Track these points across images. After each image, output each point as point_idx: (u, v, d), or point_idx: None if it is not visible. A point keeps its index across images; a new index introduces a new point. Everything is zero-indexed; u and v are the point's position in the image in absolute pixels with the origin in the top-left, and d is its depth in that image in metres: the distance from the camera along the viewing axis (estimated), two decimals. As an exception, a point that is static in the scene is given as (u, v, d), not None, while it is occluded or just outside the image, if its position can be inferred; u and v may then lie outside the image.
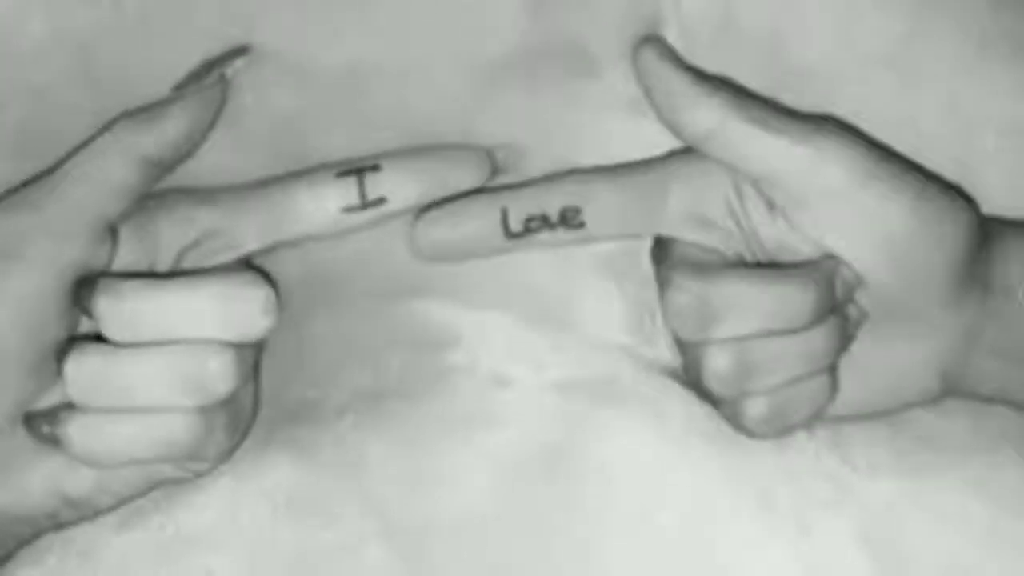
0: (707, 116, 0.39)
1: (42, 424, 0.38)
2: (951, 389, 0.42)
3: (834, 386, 0.41)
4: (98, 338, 0.38)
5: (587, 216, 0.40)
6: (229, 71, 0.40)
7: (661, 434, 0.42)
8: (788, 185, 0.39)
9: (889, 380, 0.41)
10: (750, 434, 0.41)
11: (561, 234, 0.40)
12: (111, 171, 0.38)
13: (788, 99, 0.41)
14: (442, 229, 0.41)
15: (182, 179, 0.40)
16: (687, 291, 0.39)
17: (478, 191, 0.41)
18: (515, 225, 0.40)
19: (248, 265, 0.41)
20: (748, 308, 0.39)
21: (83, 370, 0.37)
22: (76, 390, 0.38)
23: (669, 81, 0.39)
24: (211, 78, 0.39)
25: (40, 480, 0.39)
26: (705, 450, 0.42)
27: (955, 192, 0.41)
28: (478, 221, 0.40)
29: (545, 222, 0.40)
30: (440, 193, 0.40)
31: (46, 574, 0.40)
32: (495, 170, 0.41)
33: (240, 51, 0.40)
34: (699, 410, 0.42)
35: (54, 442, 0.38)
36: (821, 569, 0.40)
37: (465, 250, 0.41)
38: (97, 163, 0.38)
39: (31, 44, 0.40)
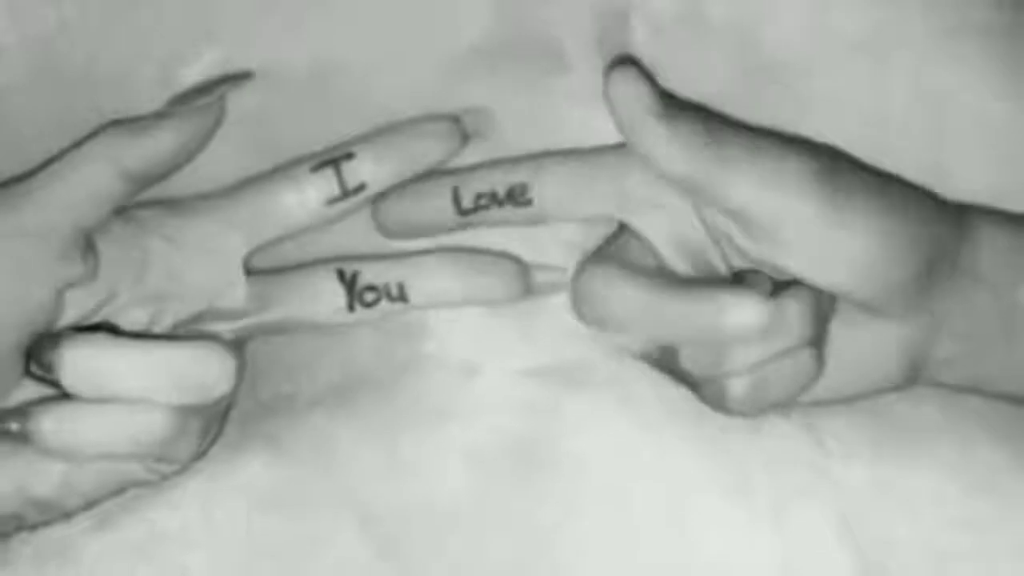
0: (676, 160, 0.39)
1: (10, 421, 0.38)
2: (918, 375, 0.42)
3: (820, 364, 0.41)
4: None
5: (535, 193, 0.41)
6: (227, 94, 0.40)
7: (634, 420, 0.42)
8: (753, 219, 0.39)
9: (855, 364, 0.42)
10: (730, 412, 0.41)
11: (509, 211, 0.41)
12: (93, 180, 0.38)
13: (757, 89, 0.41)
14: (399, 207, 0.41)
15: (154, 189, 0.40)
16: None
17: (433, 172, 0.41)
18: (466, 202, 0.41)
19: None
20: (755, 343, 0.40)
21: (80, 358, 0.38)
22: (70, 378, 0.38)
23: (638, 119, 0.39)
24: (209, 98, 0.39)
25: (5, 481, 0.39)
26: (679, 435, 0.42)
27: (922, 197, 0.41)
28: (432, 199, 0.41)
29: (494, 199, 0.41)
30: (416, 169, 0.41)
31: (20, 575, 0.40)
32: (465, 137, 0.41)
33: (243, 77, 0.40)
34: (672, 395, 0.42)
35: (23, 438, 0.38)
36: (798, 553, 0.41)
37: (421, 226, 0.42)
38: (80, 170, 0.38)
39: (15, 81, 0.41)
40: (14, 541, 0.41)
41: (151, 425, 0.38)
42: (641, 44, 0.42)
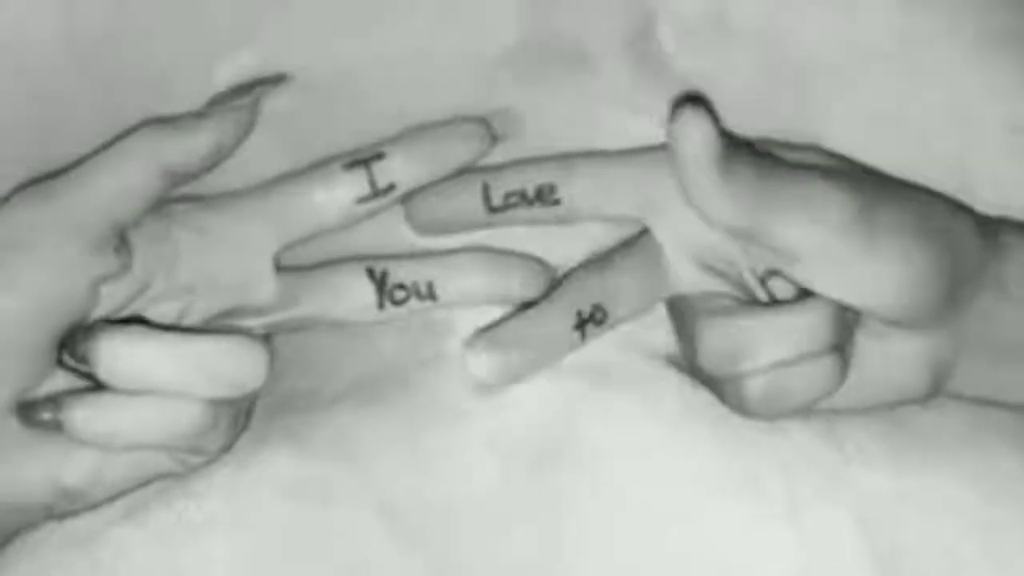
0: (727, 213, 0.39)
1: (43, 410, 0.39)
2: (942, 387, 0.42)
3: (842, 371, 0.41)
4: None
5: (562, 193, 0.41)
6: (264, 97, 0.40)
7: (654, 420, 0.42)
8: (790, 253, 0.40)
9: (878, 374, 0.42)
10: (747, 414, 0.41)
11: (537, 210, 0.42)
12: (130, 176, 0.39)
13: (781, 92, 0.42)
14: (430, 203, 0.42)
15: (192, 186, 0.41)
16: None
17: (465, 169, 0.42)
18: (496, 200, 0.41)
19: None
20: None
21: (115, 350, 0.38)
22: (106, 369, 0.38)
23: (698, 168, 0.38)
24: (247, 99, 0.40)
25: (36, 470, 0.39)
26: (698, 435, 0.42)
27: (954, 213, 0.41)
28: (462, 196, 0.42)
29: (523, 198, 0.41)
30: (445, 169, 0.42)
31: (46, 564, 0.41)
32: (494, 139, 0.42)
33: (278, 79, 0.41)
34: (694, 395, 0.43)
35: (56, 427, 0.38)
36: (816, 554, 0.41)
37: (452, 223, 0.42)
38: (118, 166, 0.39)
39: (38, 38, 0.41)
40: (41, 530, 0.41)
41: (184, 417, 0.39)
42: (667, 46, 0.42)
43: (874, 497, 0.41)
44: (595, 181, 0.41)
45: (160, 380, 0.38)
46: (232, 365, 0.39)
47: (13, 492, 0.39)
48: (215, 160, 0.40)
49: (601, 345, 0.42)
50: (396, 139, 0.42)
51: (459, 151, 0.42)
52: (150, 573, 0.41)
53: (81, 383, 0.40)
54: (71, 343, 0.39)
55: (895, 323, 0.40)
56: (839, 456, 0.42)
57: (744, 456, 0.42)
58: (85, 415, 0.38)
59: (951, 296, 0.40)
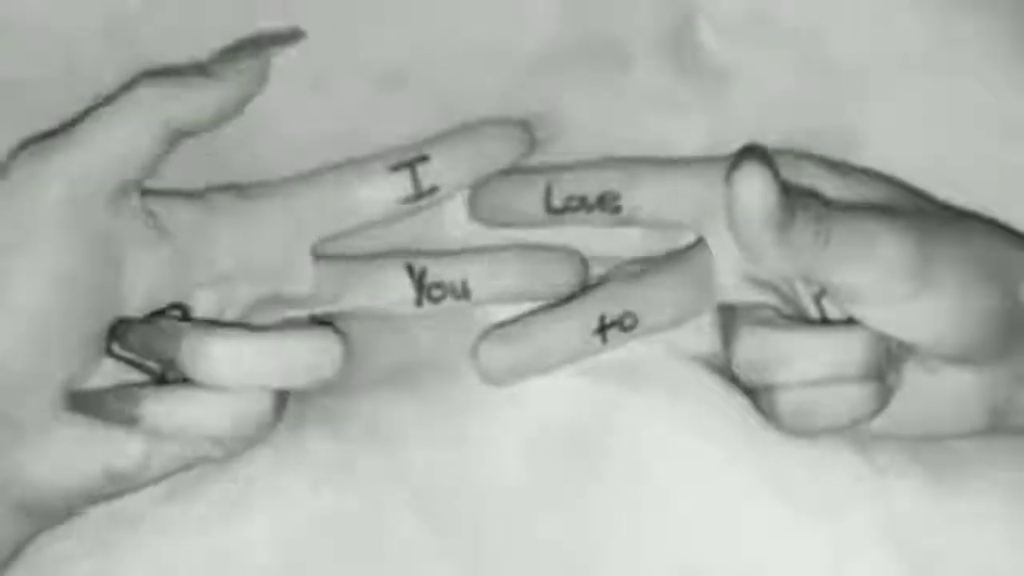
0: (782, 263, 0.39)
1: (115, 403, 0.39)
2: (1001, 422, 0.42)
3: (880, 400, 0.41)
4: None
5: (624, 202, 0.42)
6: (276, 56, 0.40)
7: (685, 420, 0.43)
8: (845, 292, 0.40)
9: (934, 409, 0.42)
10: (778, 427, 0.41)
11: (597, 216, 0.42)
12: (133, 133, 0.38)
13: (821, 93, 0.42)
14: (494, 196, 0.42)
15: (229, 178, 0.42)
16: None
17: (531, 167, 0.42)
18: (557, 202, 0.42)
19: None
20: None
21: (199, 348, 0.38)
22: (194, 367, 0.39)
23: (756, 226, 0.38)
24: (256, 58, 0.40)
25: (88, 457, 0.39)
26: (731, 436, 0.42)
27: (1003, 240, 0.41)
28: (525, 194, 0.42)
29: (583, 203, 0.42)
30: (487, 171, 0.42)
31: (87, 544, 0.41)
32: (534, 142, 0.42)
33: (294, 36, 0.41)
34: (728, 399, 0.43)
35: (129, 421, 0.39)
36: (845, 557, 0.41)
37: (510, 218, 0.42)
38: (120, 123, 0.38)
39: (79, 25, 0.41)
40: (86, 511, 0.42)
41: (255, 408, 0.39)
42: (707, 44, 0.43)
43: (905, 507, 0.41)
44: (656, 191, 0.42)
45: (245, 376, 0.39)
46: (312, 359, 0.39)
47: (64, 478, 0.39)
48: (222, 118, 0.39)
49: (637, 345, 0.43)
50: (439, 141, 0.42)
51: (501, 154, 0.42)
52: (192, 554, 0.41)
53: (126, 371, 0.40)
54: (153, 342, 0.39)
55: (951, 360, 0.40)
56: (870, 466, 0.42)
57: (774, 461, 0.42)
58: (167, 410, 0.39)
59: (1010, 333, 0.40)
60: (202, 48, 0.41)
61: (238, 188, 0.42)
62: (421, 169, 0.42)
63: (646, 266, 0.43)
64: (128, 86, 0.39)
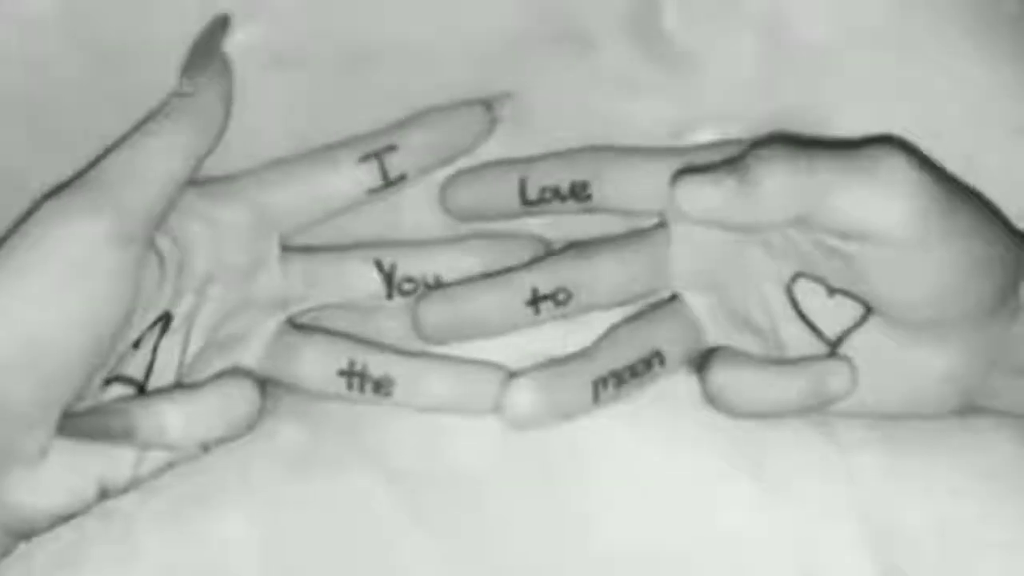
0: (777, 210, 0.39)
1: (112, 421, 0.39)
2: (969, 403, 0.42)
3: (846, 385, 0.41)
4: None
5: (595, 190, 0.42)
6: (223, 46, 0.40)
7: (654, 402, 0.43)
8: (859, 231, 0.39)
9: (906, 388, 0.42)
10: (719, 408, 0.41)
11: (571, 205, 0.42)
12: (164, 167, 0.39)
13: (787, 74, 0.42)
14: (467, 191, 0.42)
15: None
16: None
17: (501, 161, 0.42)
18: (531, 194, 0.42)
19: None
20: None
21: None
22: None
23: (724, 204, 0.39)
24: (218, 62, 0.40)
25: (83, 478, 0.39)
26: (697, 418, 0.42)
27: (1002, 220, 0.41)
28: (499, 187, 0.42)
29: (557, 194, 0.42)
30: (452, 157, 0.42)
31: (58, 537, 0.40)
32: (496, 122, 0.42)
33: (224, 23, 0.41)
34: (695, 385, 0.43)
35: (127, 436, 0.39)
36: (814, 534, 0.41)
37: (486, 212, 0.43)
38: (149, 160, 0.39)
39: (36, 11, 0.41)
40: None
41: (246, 408, 0.40)
42: (672, 28, 0.43)
43: (872, 483, 0.41)
44: (625, 180, 0.42)
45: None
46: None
47: (55, 500, 0.39)
48: (222, 133, 0.40)
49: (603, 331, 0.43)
50: (405, 129, 0.42)
51: (465, 138, 0.42)
52: (166, 543, 0.41)
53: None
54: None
55: (934, 327, 0.40)
56: (831, 441, 0.42)
57: (741, 439, 0.42)
58: (160, 422, 0.39)
59: (988, 308, 0.40)
60: (167, 41, 0.40)
61: (202, 186, 0.41)
62: (388, 159, 0.42)
63: (595, 245, 0.43)
64: (138, 126, 0.39)
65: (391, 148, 0.42)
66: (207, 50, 0.40)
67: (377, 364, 0.42)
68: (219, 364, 0.41)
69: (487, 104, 0.42)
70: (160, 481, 0.41)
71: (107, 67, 0.41)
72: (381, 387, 0.42)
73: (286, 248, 0.42)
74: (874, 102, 0.42)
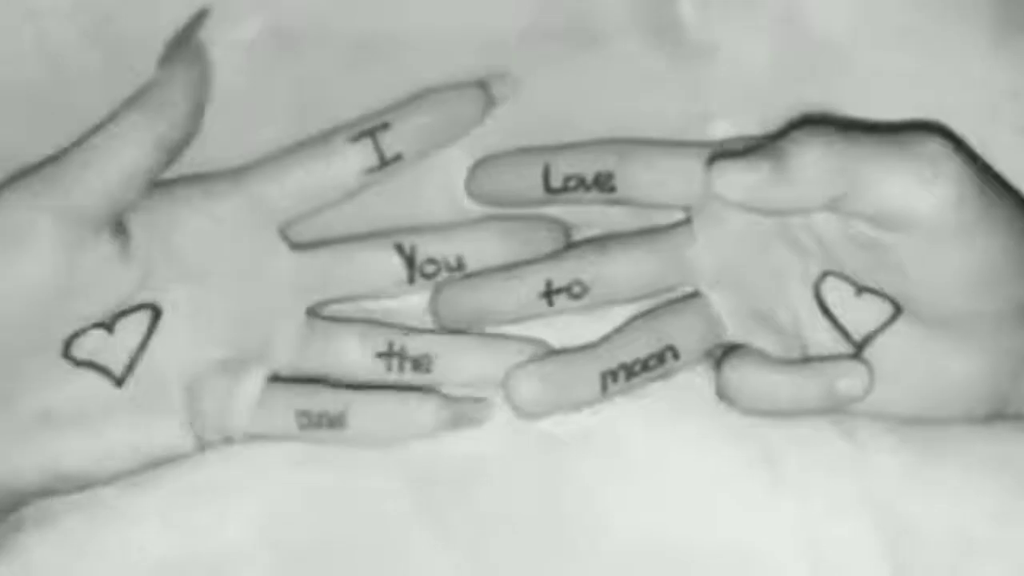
0: (816, 186, 0.39)
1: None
2: (1003, 409, 0.42)
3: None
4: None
5: (619, 181, 0.42)
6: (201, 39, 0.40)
7: (667, 395, 0.42)
8: (899, 219, 0.39)
9: (933, 391, 0.41)
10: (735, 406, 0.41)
11: (594, 195, 0.42)
12: (124, 155, 0.39)
13: (804, 67, 0.42)
14: (492, 176, 0.42)
15: (199, 164, 0.41)
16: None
17: (527, 148, 0.42)
18: (555, 182, 0.42)
19: None
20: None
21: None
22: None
23: (758, 187, 0.39)
24: (194, 51, 0.40)
25: (29, 457, 0.39)
26: (708, 412, 0.42)
27: None
28: (524, 174, 0.42)
29: (581, 183, 0.42)
30: (448, 138, 0.42)
31: (59, 530, 0.40)
32: (493, 102, 0.42)
33: (202, 15, 0.41)
34: (709, 381, 0.42)
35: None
36: (824, 529, 0.41)
37: (508, 197, 0.42)
38: (109, 146, 0.39)
39: (52, 4, 0.41)
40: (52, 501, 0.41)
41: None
42: (687, 20, 0.42)
43: (884, 480, 0.41)
44: (648, 172, 0.41)
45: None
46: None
47: (6, 476, 0.39)
48: (197, 122, 0.40)
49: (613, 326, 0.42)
50: (399, 108, 0.42)
51: (461, 118, 0.42)
52: (172, 535, 0.40)
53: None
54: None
55: (969, 324, 0.40)
56: (848, 439, 0.42)
57: (755, 435, 0.41)
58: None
59: (1020, 312, 0.40)
60: (173, 27, 0.40)
61: (200, 177, 0.41)
62: (383, 137, 0.41)
63: (613, 239, 0.42)
64: (112, 113, 0.39)
65: (385, 126, 0.41)
66: (180, 40, 0.40)
67: (416, 343, 0.42)
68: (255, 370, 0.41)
69: (483, 85, 0.42)
70: (168, 472, 0.40)
71: (122, 60, 0.41)
72: (420, 365, 0.41)
73: (297, 246, 0.42)
74: (888, 98, 0.42)
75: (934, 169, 0.38)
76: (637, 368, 0.41)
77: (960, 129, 0.41)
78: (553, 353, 0.42)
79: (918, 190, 0.38)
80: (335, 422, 0.41)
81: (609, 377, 0.41)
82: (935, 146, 0.38)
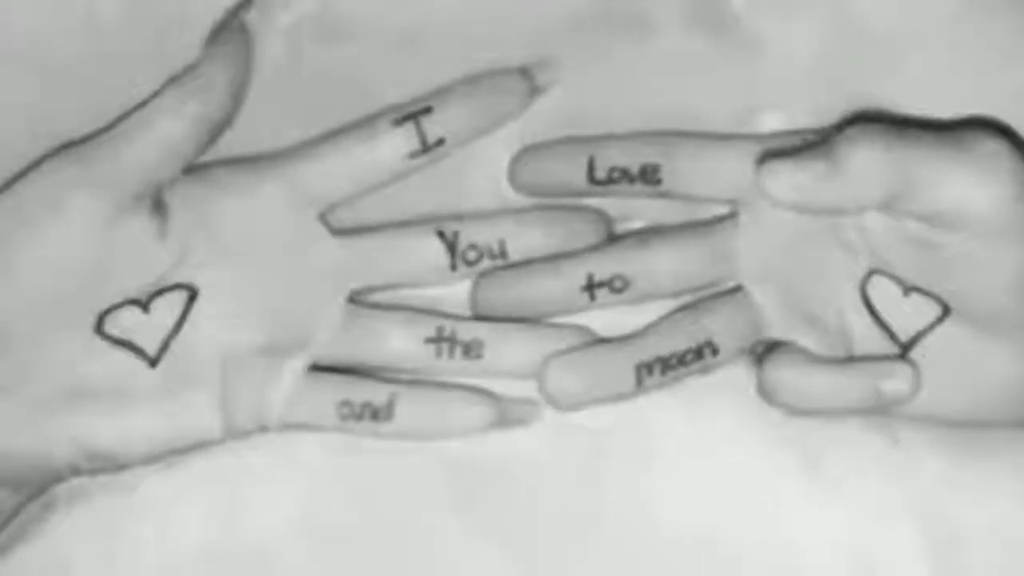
0: (870, 184, 0.38)
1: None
2: None
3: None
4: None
5: (665, 174, 0.41)
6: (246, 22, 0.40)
7: (708, 395, 0.42)
8: (954, 219, 0.38)
9: (979, 394, 0.41)
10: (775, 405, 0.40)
11: (639, 188, 0.41)
12: (163, 131, 0.39)
13: (854, 59, 0.41)
14: (535, 164, 0.42)
15: (241, 147, 0.41)
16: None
17: (572, 137, 0.42)
18: (600, 173, 0.41)
19: None
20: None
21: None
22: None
23: (812, 184, 0.38)
24: (235, 33, 0.40)
25: (61, 432, 0.39)
26: (751, 411, 0.41)
27: None
28: (567, 163, 0.41)
29: (626, 175, 0.41)
30: (491, 124, 0.41)
31: (92, 511, 0.40)
32: (536, 90, 0.42)
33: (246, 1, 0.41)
34: (748, 373, 0.42)
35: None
36: (870, 533, 0.40)
37: (552, 187, 0.42)
38: (149, 122, 0.39)
39: (114, 16, 0.41)
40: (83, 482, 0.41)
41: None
42: (737, 11, 0.42)
43: (931, 484, 0.41)
44: (696, 165, 0.41)
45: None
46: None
47: (36, 451, 0.39)
48: (237, 102, 0.40)
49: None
50: (442, 93, 0.41)
51: (505, 104, 0.41)
52: (208, 521, 0.40)
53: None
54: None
55: (1012, 330, 0.39)
56: (892, 443, 0.41)
57: (797, 437, 0.41)
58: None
59: None
60: (218, 6, 0.41)
61: (241, 160, 0.41)
62: (426, 121, 0.41)
63: (656, 233, 0.42)
64: (155, 92, 0.39)
65: (428, 110, 0.41)
66: (225, 23, 0.40)
67: (466, 329, 0.41)
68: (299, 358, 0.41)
69: (527, 72, 0.42)
70: (205, 457, 0.40)
71: (168, 39, 0.41)
72: (471, 350, 0.41)
73: (339, 232, 0.42)
74: (939, 92, 0.41)
75: (991, 168, 0.38)
76: (674, 362, 0.40)
77: (1010, 116, 0.41)
78: (588, 344, 0.41)
79: (975, 190, 0.38)
80: (378, 414, 0.40)
81: (644, 370, 0.40)
82: (992, 144, 0.38)
